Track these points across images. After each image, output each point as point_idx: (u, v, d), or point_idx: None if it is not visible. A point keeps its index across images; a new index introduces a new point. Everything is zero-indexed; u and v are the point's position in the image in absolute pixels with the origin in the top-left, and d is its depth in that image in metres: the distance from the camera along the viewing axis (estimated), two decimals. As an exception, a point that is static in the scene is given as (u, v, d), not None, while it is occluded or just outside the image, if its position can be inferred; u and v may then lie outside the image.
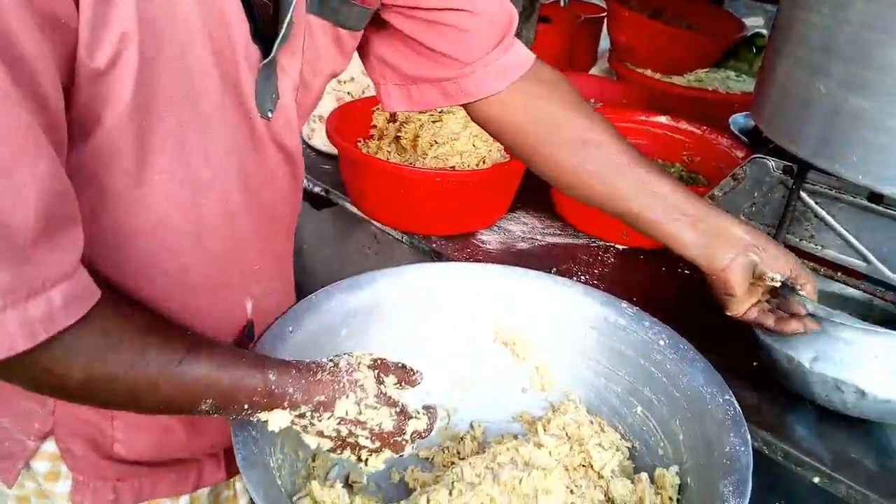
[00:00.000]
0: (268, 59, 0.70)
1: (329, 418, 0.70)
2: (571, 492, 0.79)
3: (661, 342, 0.94)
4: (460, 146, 1.24)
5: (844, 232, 0.96)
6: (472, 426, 1.04)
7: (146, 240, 0.70)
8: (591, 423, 0.94)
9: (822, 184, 0.96)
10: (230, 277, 0.81)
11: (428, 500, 0.77)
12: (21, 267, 0.51)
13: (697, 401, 0.86)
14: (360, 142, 1.36)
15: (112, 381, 0.59)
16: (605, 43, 2.18)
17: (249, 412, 0.68)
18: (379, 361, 0.76)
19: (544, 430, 0.92)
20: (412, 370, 0.78)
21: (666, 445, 0.90)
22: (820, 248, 0.99)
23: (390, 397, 0.74)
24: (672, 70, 1.80)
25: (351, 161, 1.23)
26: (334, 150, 1.52)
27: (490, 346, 1.04)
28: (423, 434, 0.76)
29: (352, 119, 1.36)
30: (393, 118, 1.37)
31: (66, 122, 0.57)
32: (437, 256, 1.22)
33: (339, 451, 0.73)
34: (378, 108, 1.40)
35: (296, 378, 0.70)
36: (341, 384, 0.71)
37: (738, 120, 1.52)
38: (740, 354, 1.03)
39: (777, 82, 0.97)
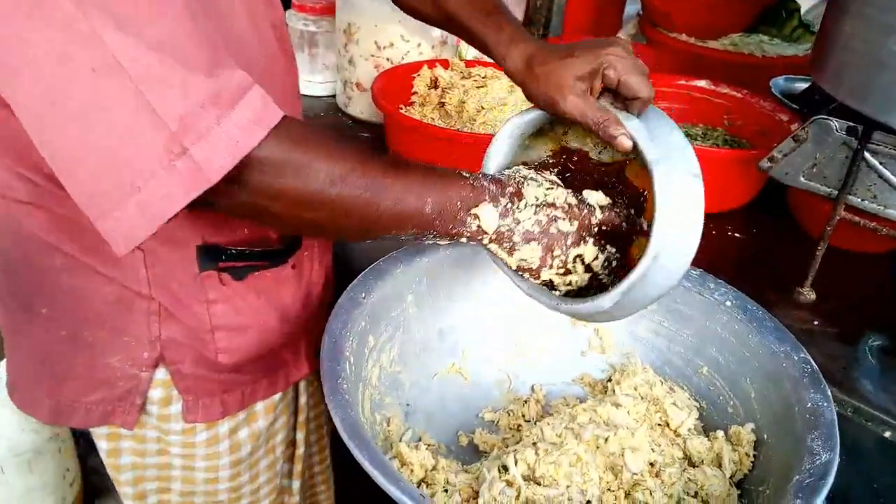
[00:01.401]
0: None
1: (525, 207, 0.72)
2: (652, 450, 0.80)
3: (728, 303, 0.94)
4: (509, 111, 1.23)
5: (909, 191, 0.96)
6: (533, 389, 1.04)
7: None
8: (661, 383, 0.95)
9: (887, 143, 0.96)
10: None
11: (516, 460, 0.78)
12: (216, 78, 0.57)
13: (770, 359, 0.87)
14: (401, 108, 1.35)
15: (332, 186, 0.63)
16: (629, 9, 2.16)
17: (461, 211, 0.70)
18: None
19: (615, 392, 0.92)
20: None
21: (736, 404, 0.91)
22: (883, 208, 0.99)
23: (554, 180, 0.78)
24: (707, 34, 1.78)
25: (400, 127, 1.22)
26: (373, 118, 1.51)
27: (548, 310, 1.04)
28: (604, 206, 0.76)
29: (393, 85, 1.34)
30: (434, 84, 1.36)
31: None
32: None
33: (548, 261, 0.74)
34: (418, 75, 1.38)
35: (482, 176, 0.74)
36: (517, 178, 0.75)
37: (780, 83, 1.51)
38: (798, 318, 1.03)
39: (842, 41, 0.97)
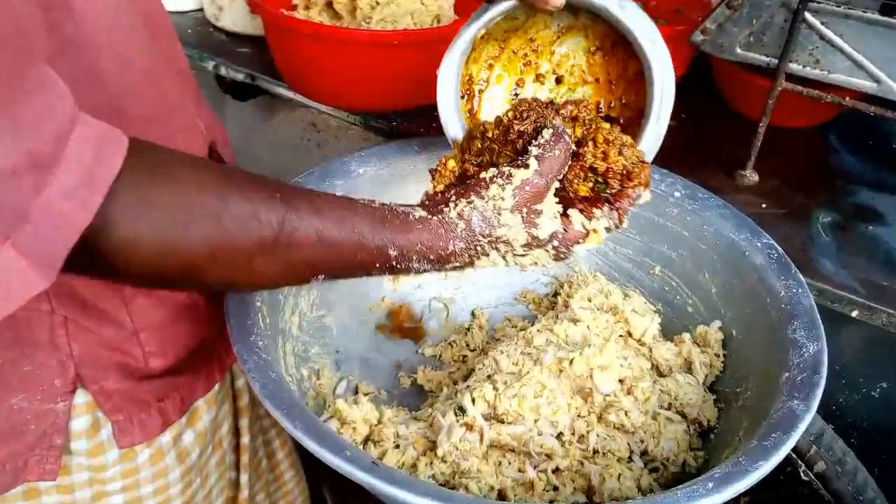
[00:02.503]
0: None
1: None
2: (620, 365, 0.72)
3: (676, 194, 0.86)
4: (408, 4, 1.07)
5: (853, 52, 0.89)
6: (473, 315, 0.94)
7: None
8: (615, 290, 0.86)
9: (829, 1, 0.88)
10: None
11: (473, 399, 0.67)
12: (20, 127, 0.39)
13: (729, 249, 0.80)
14: (283, 13, 1.16)
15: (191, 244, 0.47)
16: None
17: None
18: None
19: (567, 306, 0.83)
20: None
21: (696, 302, 0.83)
22: (826, 73, 0.92)
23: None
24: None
25: (283, 32, 1.04)
26: (250, 30, 1.31)
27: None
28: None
29: (270, -13, 1.14)
30: (318, -18, 1.17)
31: None
32: (399, 135, 1.07)
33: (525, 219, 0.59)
34: (299, -27, 1.18)
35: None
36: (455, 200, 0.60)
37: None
38: (745, 202, 0.97)
39: None
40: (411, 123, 1.09)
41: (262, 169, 1.20)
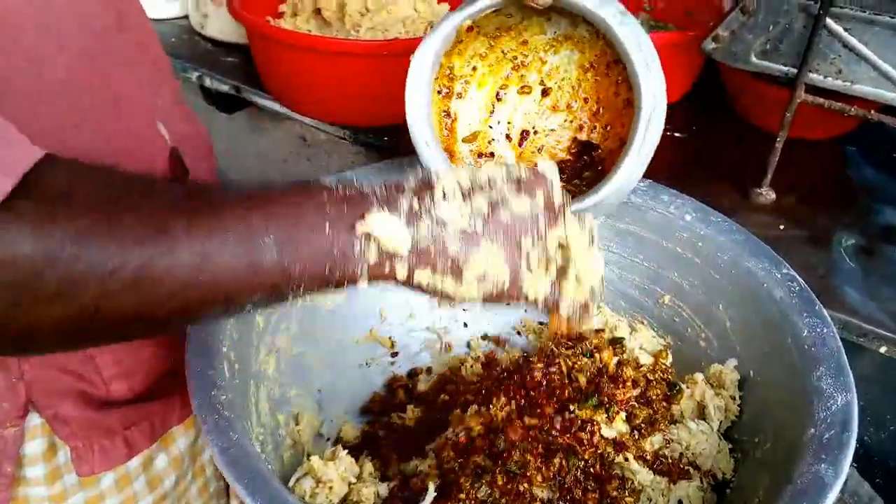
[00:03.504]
0: None
1: (445, 199, 0.46)
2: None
3: (687, 217, 0.79)
4: (399, 11, 1.01)
5: (879, 60, 0.81)
6: (469, 346, 0.88)
7: None
8: (621, 320, 0.80)
9: (853, 6, 0.80)
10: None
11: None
12: None
13: (746, 280, 0.73)
14: (269, 21, 1.10)
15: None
16: None
17: (338, 239, 0.43)
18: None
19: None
20: None
21: (709, 336, 0.77)
22: (849, 84, 0.85)
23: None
24: None
25: (268, 42, 0.98)
26: (237, 38, 1.25)
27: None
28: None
29: (255, -6, 1.08)
30: (306, -13, 1.11)
31: None
32: (393, 151, 1.01)
33: (520, 262, 0.48)
34: (286, -21, 1.12)
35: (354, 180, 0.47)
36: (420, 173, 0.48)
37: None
38: (761, 223, 0.89)
39: None
40: (405, 139, 1.02)
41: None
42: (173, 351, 0.66)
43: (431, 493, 0.57)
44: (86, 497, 0.66)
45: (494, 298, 0.48)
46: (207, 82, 1.18)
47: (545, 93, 0.72)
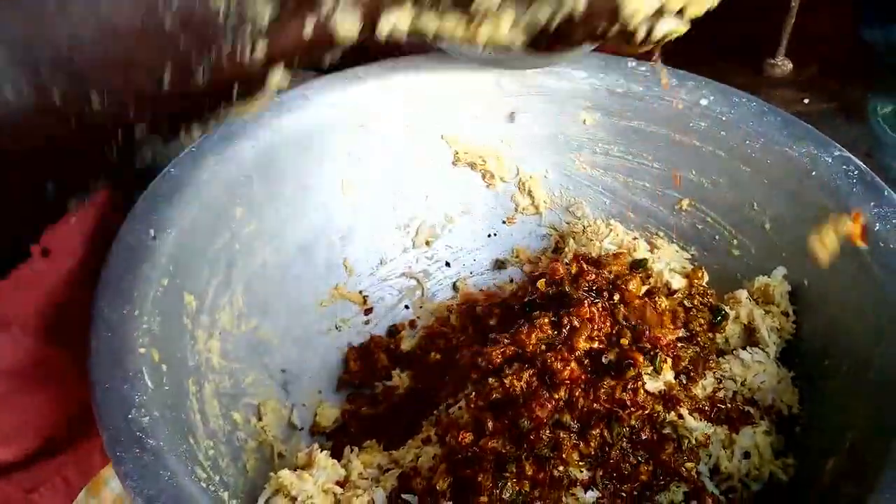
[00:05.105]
0: None
1: None
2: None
3: (703, 101, 0.65)
4: None
5: None
6: (455, 288, 0.74)
7: None
8: (636, 238, 0.66)
9: None
10: None
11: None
12: None
13: (787, 168, 0.60)
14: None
15: None
16: None
17: None
18: None
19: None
20: None
21: (744, 243, 0.64)
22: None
23: None
24: None
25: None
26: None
27: (450, 175, 0.72)
28: None
29: None
30: None
31: None
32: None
33: None
34: None
35: None
36: None
37: None
38: (782, 98, 0.75)
39: None
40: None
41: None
42: (79, 389, 0.51)
43: None
44: None
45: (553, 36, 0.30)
46: None
47: None
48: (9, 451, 0.48)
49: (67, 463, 0.52)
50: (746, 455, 0.51)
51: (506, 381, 0.47)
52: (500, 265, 0.75)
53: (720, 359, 0.56)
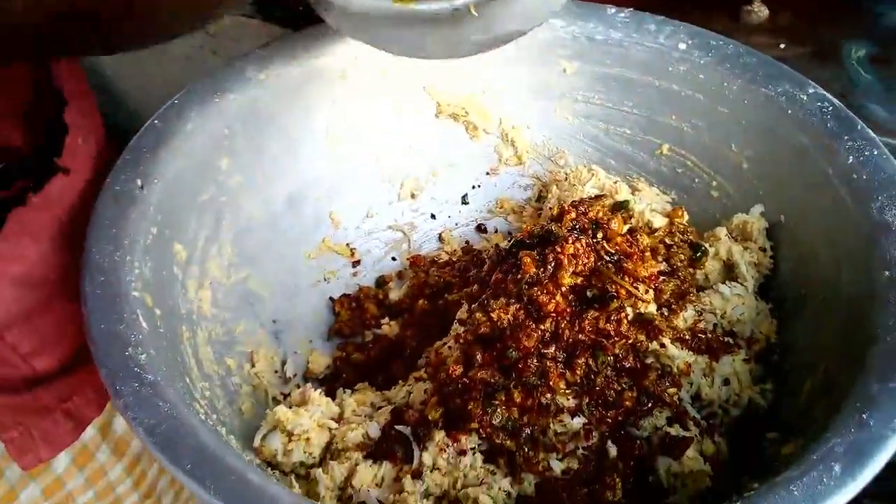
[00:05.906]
0: None
1: None
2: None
3: (681, 45, 0.66)
4: None
5: None
6: (441, 239, 0.75)
7: None
8: (618, 182, 0.67)
9: None
10: None
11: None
12: None
13: (764, 108, 0.61)
14: None
15: None
16: None
17: None
18: None
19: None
20: None
21: (722, 183, 0.65)
22: None
23: None
24: None
25: None
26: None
27: (434, 128, 0.72)
28: None
29: None
30: None
31: None
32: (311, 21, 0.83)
33: None
34: None
35: None
36: None
37: None
38: (758, 43, 0.76)
39: None
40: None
41: (152, 89, 0.96)
42: None
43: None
44: (42, 487, 0.55)
45: None
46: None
47: None
48: (50, 360, 0.50)
49: (97, 373, 0.54)
50: (726, 382, 0.52)
51: (493, 315, 0.48)
52: (481, 230, 0.76)
53: (700, 293, 0.57)
